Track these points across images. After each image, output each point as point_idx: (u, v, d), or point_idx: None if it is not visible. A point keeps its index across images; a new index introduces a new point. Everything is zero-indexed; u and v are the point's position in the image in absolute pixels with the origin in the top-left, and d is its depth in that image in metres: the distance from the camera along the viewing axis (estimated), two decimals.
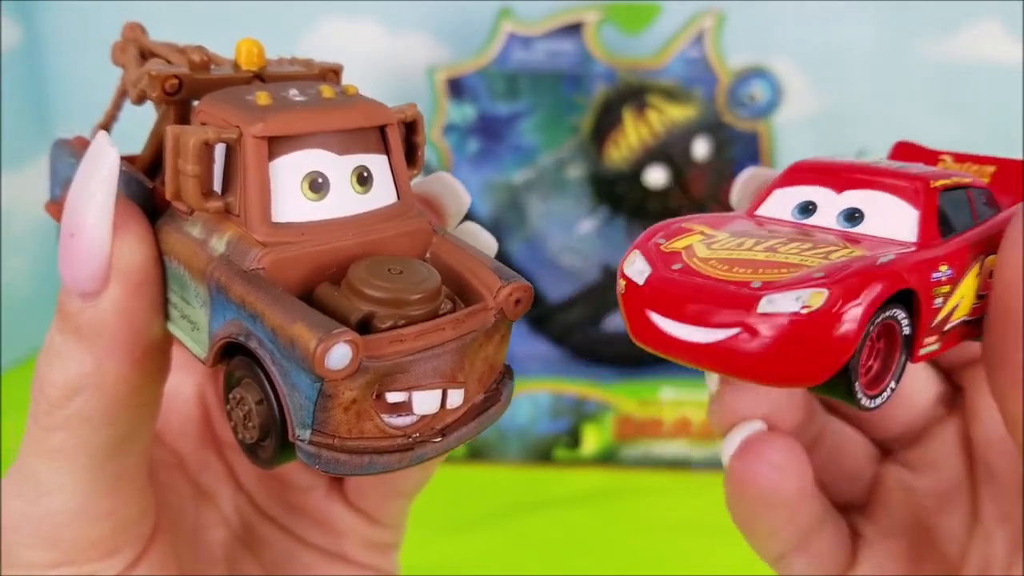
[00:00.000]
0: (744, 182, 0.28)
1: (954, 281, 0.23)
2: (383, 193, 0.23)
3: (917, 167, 0.25)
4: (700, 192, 0.69)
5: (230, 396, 0.21)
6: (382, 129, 0.23)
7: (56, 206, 0.25)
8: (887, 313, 0.21)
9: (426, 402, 0.20)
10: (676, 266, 0.22)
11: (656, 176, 0.69)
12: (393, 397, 0.20)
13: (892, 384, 0.22)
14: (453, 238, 0.23)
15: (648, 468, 0.69)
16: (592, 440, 0.70)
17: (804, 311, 0.20)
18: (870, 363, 0.22)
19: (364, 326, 0.20)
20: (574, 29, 0.67)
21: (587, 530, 0.63)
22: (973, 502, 0.28)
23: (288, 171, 0.21)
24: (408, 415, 0.20)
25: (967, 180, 0.25)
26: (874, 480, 0.30)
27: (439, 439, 0.21)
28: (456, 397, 0.21)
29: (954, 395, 0.29)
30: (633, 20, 0.68)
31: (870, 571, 0.28)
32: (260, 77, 0.24)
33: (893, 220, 0.23)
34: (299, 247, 0.21)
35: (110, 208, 0.21)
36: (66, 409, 0.22)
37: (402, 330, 0.20)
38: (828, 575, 0.28)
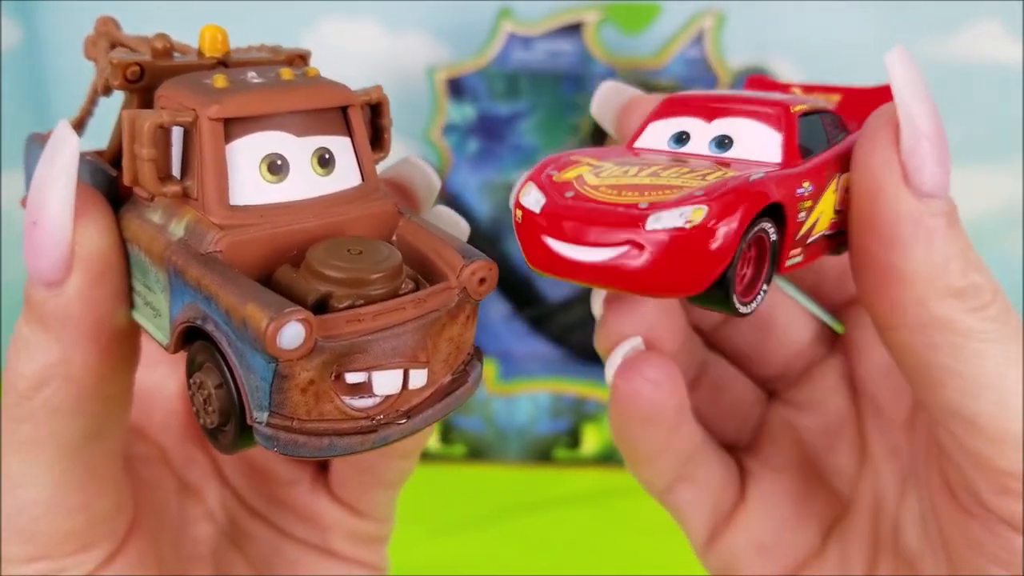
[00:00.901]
0: (604, 95, 0.29)
1: (815, 196, 0.25)
2: (346, 175, 0.23)
3: (776, 95, 0.27)
4: None
5: (191, 381, 0.21)
6: (344, 111, 0.23)
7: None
8: (759, 226, 0.23)
9: (387, 382, 0.20)
10: (569, 194, 0.24)
11: None
12: (353, 378, 0.20)
13: (764, 287, 0.24)
14: (420, 220, 0.23)
15: None
16: (592, 440, 0.70)
17: (688, 225, 0.22)
18: (744, 271, 0.24)
19: (322, 306, 0.20)
20: (574, 29, 0.67)
21: (587, 530, 0.63)
22: (860, 438, 0.29)
23: (246, 153, 0.21)
24: (370, 396, 0.20)
25: (820, 106, 0.27)
26: (760, 420, 0.31)
27: (404, 421, 0.21)
28: (419, 378, 0.21)
29: (833, 336, 0.30)
30: (633, 20, 0.68)
31: (759, 507, 0.29)
32: (224, 63, 0.24)
33: (759, 144, 0.26)
34: (257, 229, 0.21)
35: (71, 196, 0.21)
36: (34, 400, 0.22)
37: (360, 309, 0.20)
38: (716, 510, 0.29)
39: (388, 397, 0.21)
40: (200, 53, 0.24)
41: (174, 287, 0.21)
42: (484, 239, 0.70)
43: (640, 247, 0.22)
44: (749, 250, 0.24)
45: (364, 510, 0.30)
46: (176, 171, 0.22)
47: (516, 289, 0.71)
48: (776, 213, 0.24)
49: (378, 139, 0.24)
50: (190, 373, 0.21)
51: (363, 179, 0.23)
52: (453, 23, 0.75)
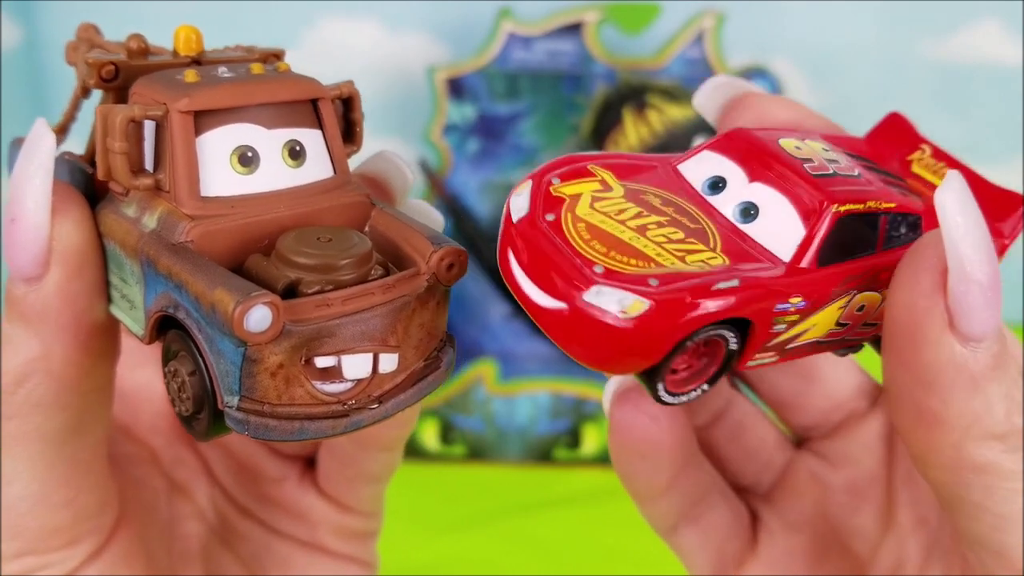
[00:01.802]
0: (713, 85, 0.27)
1: (805, 312, 0.22)
2: (318, 167, 0.23)
3: (847, 174, 0.24)
4: None
5: (166, 370, 0.21)
6: (315, 105, 0.23)
7: None
8: (713, 332, 0.21)
9: (356, 366, 0.21)
10: (550, 216, 0.22)
11: None
12: (322, 362, 0.20)
13: (703, 387, 0.23)
14: (392, 211, 0.23)
15: None
16: (592, 440, 0.70)
17: (621, 316, 0.20)
18: (684, 368, 0.22)
19: (292, 292, 0.20)
20: (574, 29, 0.67)
21: (587, 530, 0.63)
22: (888, 502, 0.28)
23: (216, 145, 0.22)
24: (341, 381, 0.21)
25: (889, 205, 0.24)
26: (784, 469, 0.30)
27: (376, 406, 0.21)
28: (389, 362, 0.21)
29: (876, 389, 0.29)
30: (633, 20, 0.68)
31: (770, 563, 0.28)
32: (198, 62, 0.24)
33: (780, 229, 0.23)
34: (227, 219, 0.21)
35: (47, 192, 0.21)
36: (17, 395, 0.22)
37: (328, 294, 0.20)
38: (724, 557, 0.28)
39: (360, 382, 0.21)
40: (175, 53, 0.24)
41: (147, 278, 0.21)
42: (484, 239, 0.70)
43: (574, 312, 0.20)
44: (703, 346, 0.22)
45: (352, 505, 0.30)
46: (149, 165, 0.22)
47: None
48: (742, 325, 0.22)
49: (350, 133, 0.25)
50: (165, 362, 0.22)
51: (335, 171, 0.23)
52: (453, 23, 0.75)
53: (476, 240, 0.70)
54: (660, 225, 0.22)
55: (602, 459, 0.70)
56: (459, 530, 0.63)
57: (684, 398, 0.22)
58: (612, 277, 0.20)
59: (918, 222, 0.25)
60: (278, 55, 0.26)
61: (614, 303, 0.20)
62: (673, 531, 0.28)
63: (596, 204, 0.23)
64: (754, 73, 0.67)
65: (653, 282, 0.20)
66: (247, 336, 0.19)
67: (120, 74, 0.23)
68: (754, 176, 0.24)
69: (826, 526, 0.29)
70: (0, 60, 0.75)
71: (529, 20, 0.67)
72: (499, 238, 0.23)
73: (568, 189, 0.23)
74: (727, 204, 0.23)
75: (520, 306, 0.22)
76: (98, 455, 0.25)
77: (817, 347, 0.24)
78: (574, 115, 0.69)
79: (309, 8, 0.77)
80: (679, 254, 0.21)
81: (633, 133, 0.68)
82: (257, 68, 0.23)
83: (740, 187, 0.24)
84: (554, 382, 0.70)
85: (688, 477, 0.26)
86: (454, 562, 0.60)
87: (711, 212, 0.23)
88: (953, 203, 0.20)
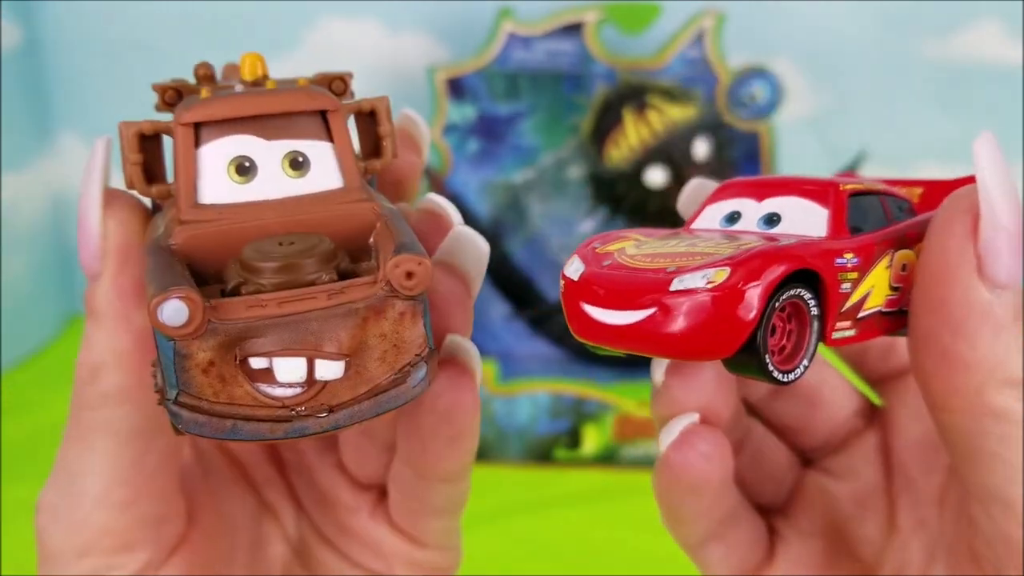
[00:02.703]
0: (689, 193, 0.30)
1: (861, 269, 0.25)
2: (324, 179, 0.23)
3: (833, 178, 0.28)
4: None
5: (152, 362, 0.22)
6: (325, 117, 0.23)
7: None
8: (791, 292, 0.23)
9: (289, 369, 0.20)
10: (607, 263, 0.25)
11: (656, 176, 0.69)
12: (256, 362, 0.20)
13: (804, 362, 0.24)
14: (394, 220, 0.23)
15: (648, 468, 0.69)
16: (592, 440, 0.70)
17: (709, 286, 0.22)
18: (783, 343, 0.24)
19: (237, 293, 0.21)
20: (574, 29, 0.67)
21: (587, 530, 0.63)
22: (890, 509, 0.30)
23: (215, 156, 0.23)
24: (280, 385, 0.20)
25: (880, 187, 0.27)
26: (795, 485, 0.32)
27: (325, 415, 0.21)
28: (329, 369, 0.21)
29: (871, 409, 0.31)
30: (633, 20, 0.68)
31: (786, 568, 0.30)
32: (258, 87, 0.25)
33: (806, 219, 0.26)
34: (211, 225, 0.22)
35: (99, 194, 0.23)
36: (91, 387, 0.23)
37: (262, 295, 0.20)
38: (745, 567, 0.30)
39: (311, 388, 0.21)
40: (240, 79, 0.25)
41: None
42: (484, 239, 0.70)
43: (665, 309, 0.23)
44: (789, 322, 0.24)
45: (422, 539, 0.30)
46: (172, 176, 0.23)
47: (516, 289, 0.71)
48: (813, 283, 0.24)
49: (378, 147, 0.25)
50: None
51: (345, 183, 0.23)
52: (453, 23, 0.76)
53: None
54: (704, 241, 0.25)
55: (602, 459, 0.70)
56: None
57: (792, 375, 0.24)
58: (685, 269, 0.23)
59: (911, 206, 0.28)
60: (344, 78, 0.26)
61: (699, 280, 0.22)
62: (700, 547, 0.29)
63: (642, 247, 0.26)
64: (754, 73, 0.67)
65: (725, 258, 0.23)
66: (163, 328, 0.19)
67: (182, 99, 0.25)
68: (762, 196, 0.27)
69: (836, 534, 0.30)
70: (0, 60, 0.75)
71: (529, 20, 0.67)
72: (565, 303, 0.25)
73: (611, 247, 0.26)
74: (749, 223, 0.27)
75: (591, 344, 0.25)
76: (164, 465, 0.25)
77: (883, 320, 0.26)
78: (574, 115, 0.69)
79: (309, 8, 0.77)
80: (732, 248, 0.24)
81: (633, 133, 0.68)
82: (271, 83, 0.24)
83: (755, 209, 0.27)
84: (554, 382, 0.70)
85: (723, 503, 0.28)
86: None
87: (739, 233, 0.26)
88: (988, 153, 0.23)
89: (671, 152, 0.68)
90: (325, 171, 0.23)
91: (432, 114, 0.68)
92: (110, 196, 0.24)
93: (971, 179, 0.24)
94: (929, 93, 0.77)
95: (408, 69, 0.75)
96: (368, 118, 0.25)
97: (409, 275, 0.21)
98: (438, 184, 0.69)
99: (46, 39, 0.79)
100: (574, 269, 0.25)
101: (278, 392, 0.20)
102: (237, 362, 0.20)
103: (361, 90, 0.26)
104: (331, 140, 0.23)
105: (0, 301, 0.77)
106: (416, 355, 0.22)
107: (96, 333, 0.23)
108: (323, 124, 0.23)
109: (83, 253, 0.23)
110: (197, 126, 0.22)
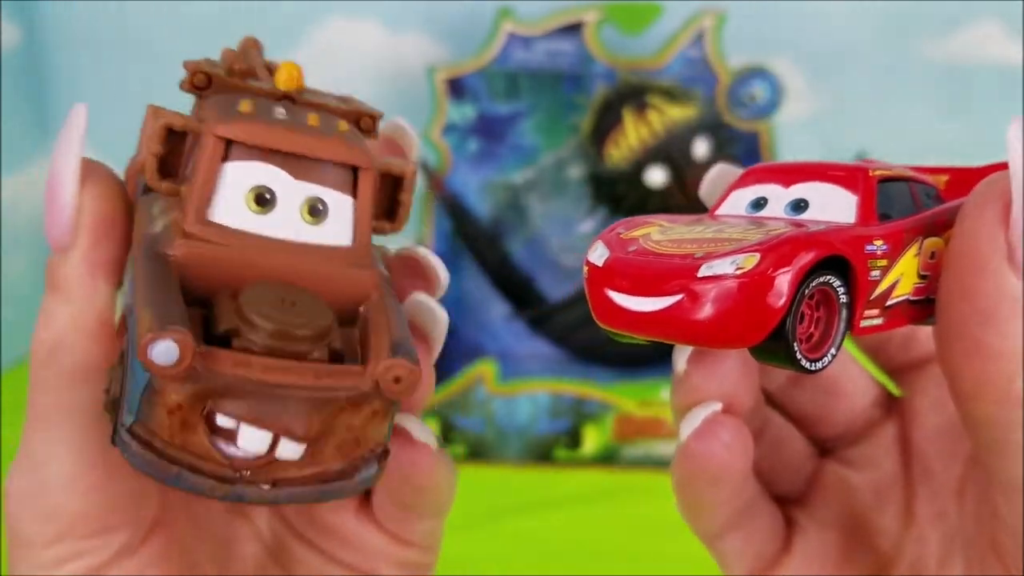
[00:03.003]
0: (713, 178, 0.29)
1: (890, 256, 0.24)
2: (336, 232, 0.23)
3: (861, 163, 0.27)
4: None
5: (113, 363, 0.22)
6: (355, 173, 0.23)
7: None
8: (821, 278, 0.23)
9: (253, 439, 0.20)
10: (632, 248, 0.24)
11: (656, 176, 0.69)
12: (222, 421, 0.20)
13: (832, 350, 0.24)
14: (389, 301, 0.23)
15: (648, 468, 0.69)
16: (592, 440, 0.70)
17: (738, 272, 0.22)
18: (811, 331, 0.24)
19: (228, 342, 0.20)
20: (574, 29, 0.67)
21: (587, 530, 0.63)
22: (908, 500, 0.29)
23: (238, 177, 0.22)
24: (239, 448, 0.20)
25: (908, 174, 0.27)
26: (813, 475, 0.31)
27: (267, 487, 0.20)
28: (290, 450, 0.20)
29: (890, 399, 0.31)
30: (633, 20, 0.69)
31: (803, 558, 0.30)
32: (291, 99, 0.24)
33: (834, 205, 0.25)
34: (216, 248, 0.21)
35: (75, 166, 0.22)
36: (50, 368, 0.23)
37: (251, 356, 0.20)
38: (762, 557, 0.29)
39: (262, 456, 0.20)
40: (274, 85, 0.24)
41: (130, 274, 0.22)
42: (484, 239, 0.70)
43: (693, 295, 0.22)
44: (817, 309, 0.24)
45: (409, 539, 0.30)
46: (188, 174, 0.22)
47: (516, 289, 0.71)
48: (843, 270, 0.23)
49: (394, 212, 0.24)
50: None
51: (353, 243, 0.23)
52: (453, 23, 0.76)
53: (476, 240, 0.70)
54: (731, 227, 0.24)
55: (602, 459, 0.70)
56: (459, 530, 0.62)
57: (820, 364, 0.24)
58: (714, 255, 0.22)
59: (938, 193, 0.28)
60: (374, 116, 0.25)
61: (728, 266, 0.22)
62: (718, 538, 0.29)
63: (667, 233, 0.25)
64: (754, 73, 0.67)
65: (754, 243, 0.22)
66: (147, 364, 0.19)
67: (212, 85, 0.24)
68: (789, 182, 0.26)
69: (854, 524, 0.30)
70: (0, 60, 0.75)
71: (529, 20, 0.67)
72: (589, 290, 0.24)
73: (636, 232, 0.25)
74: (776, 209, 0.26)
75: (616, 332, 0.24)
76: None
77: (910, 309, 0.25)
78: (574, 115, 0.69)
79: (310, 8, 0.77)
80: (761, 233, 0.23)
81: (633, 133, 0.68)
82: (313, 120, 0.23)
83: (781, 195, 0.26)
84: (554, 382, 0.70)
85: (743, 493, 0.28)
86: (454, 562, 0.60)
87: (766, 219, 0.26)
88: (1021, 140, 0.23)
89: (671, 152, 0.68)
90: (339, 225, 0.23)
91: (432, 114, 0.68)
92: (88, 168, 0.23)
93: (999, 166, 0.24)
94: (929, 93, 0.77)
95: (408, 69, 0.75)
96: (391, 178, 0.24)
97: (397, 379, 0.21)
98: (438, 184, 0.69)
99: (46, 39, 0.79)
100: (598, 255, 0.25)
101: (231, 451, 0.20)
102: (204, 413, 0.20)
103: (361, 90, 0.26)
104: (354, 196, 0.23)
105: (0, 301, 0.77)
106: (371, 451, 0.22)
107: (59, 308, 0.22)
108: (351, 177, 0.23)
109: (52, 224, 0.22)
110: (229, 141, 0.22)
